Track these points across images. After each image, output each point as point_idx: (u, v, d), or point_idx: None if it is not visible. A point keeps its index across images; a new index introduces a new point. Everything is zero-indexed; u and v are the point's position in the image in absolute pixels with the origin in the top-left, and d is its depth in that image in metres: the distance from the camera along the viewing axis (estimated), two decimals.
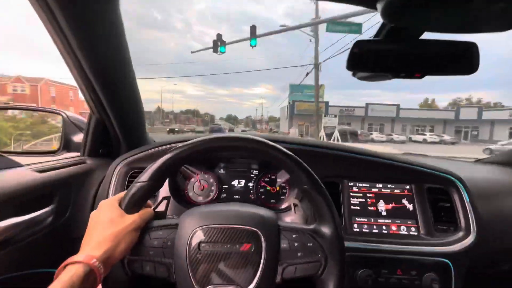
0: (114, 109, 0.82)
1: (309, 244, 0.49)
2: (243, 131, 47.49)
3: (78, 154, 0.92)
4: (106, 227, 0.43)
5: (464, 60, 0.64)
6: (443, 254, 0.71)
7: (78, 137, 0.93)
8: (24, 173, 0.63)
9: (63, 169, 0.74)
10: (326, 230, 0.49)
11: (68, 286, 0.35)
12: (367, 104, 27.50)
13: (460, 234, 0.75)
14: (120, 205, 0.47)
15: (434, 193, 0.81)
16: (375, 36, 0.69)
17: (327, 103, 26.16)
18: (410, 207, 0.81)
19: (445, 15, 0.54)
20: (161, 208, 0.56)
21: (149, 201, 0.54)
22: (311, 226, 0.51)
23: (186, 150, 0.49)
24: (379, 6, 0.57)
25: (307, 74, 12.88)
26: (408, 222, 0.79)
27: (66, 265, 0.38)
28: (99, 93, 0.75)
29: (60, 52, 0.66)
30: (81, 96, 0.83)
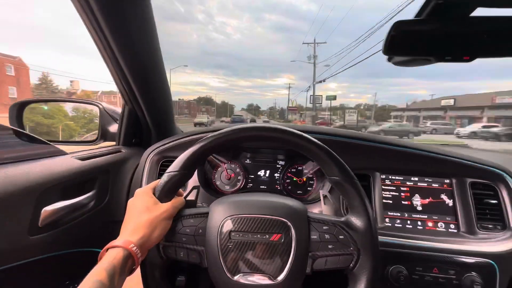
0: (145, 100, 0.86)
1: (340, 237, 0.48)
2: (265, 121, 46.21)
3: (114, 143, 0.97)
4: (142, 214, 0.46)
5: None
6: (487, 255, 0.66)
7: (114, 127, 0.98)
8: (69, 160, 0.68)
9: (102, 157, 0.79)
10: (358, 223, 0.48)
11: (110, 268, 0.38)
12: None
13: (508, 233, 0.69)
14: (154, 193, 0.50)
15: (479, 188, 0.75)
16: (417, 15, 0.63)
17: None
18: (450, 202, 0.75)
19: None
20: (191, 197, 0.58)
21: (180, 190, 0.56)
22: (343, 219, 0.50)
23: (215, 140, 0.50)
24: None
25: None
26: (447, 218, 0.74)
27: (108, 249, 0.41)
28: (132, 85, 0.79)
29: (99, 49, 0.71)
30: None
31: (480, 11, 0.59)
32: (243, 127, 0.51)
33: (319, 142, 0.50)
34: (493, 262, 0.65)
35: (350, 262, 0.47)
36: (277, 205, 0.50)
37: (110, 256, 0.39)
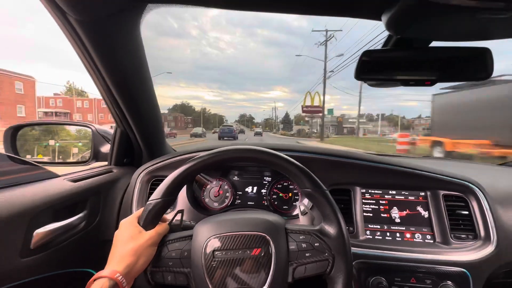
0: (135, 122, 0.89)
1: (316, 244, 0.51)
2: (257, 133, 44.53)
3: (106, 163, 1.00)
4: (127, 243, 0.48)
5: (477, 65, 0.62)
6: (460, 263, 0.70)
7: (106, 148, 1.01)
8: (61, 183, 0.71)
9: (94, 178, 0.82)
10: (331, 230, 0.52)
11: None
12: None
13: (479, 243, 0.73)
14: (138, 222, 0.53)
15: (451, 200, 0.80)
16: (384, 45, 0.70)
17: None
18: (425, 214, 0.79)
19: (452, 25, 0.54)
20: (176, 220, 0.61)
21: (164, 215, 0.58)
22: (317, 227, 0.53)
23: (193, 166, 0.54)
24: (384, 18, 0.58)
25: None
26: (423, 229, 0.78)
27: (95, 279, 0.43)
28: (122, 107, 0.83)
29: (89, 72, 0.74)
30: None
31: (438, 42, 0.66)
32: (220, 150, 0.55)
33: (289, 158, 0.54)
34: (466, 271, 0.69)
35: (327, 267, 0.50)
36: (256, 221, 0.53)
37: (97, 287, 0.41)
